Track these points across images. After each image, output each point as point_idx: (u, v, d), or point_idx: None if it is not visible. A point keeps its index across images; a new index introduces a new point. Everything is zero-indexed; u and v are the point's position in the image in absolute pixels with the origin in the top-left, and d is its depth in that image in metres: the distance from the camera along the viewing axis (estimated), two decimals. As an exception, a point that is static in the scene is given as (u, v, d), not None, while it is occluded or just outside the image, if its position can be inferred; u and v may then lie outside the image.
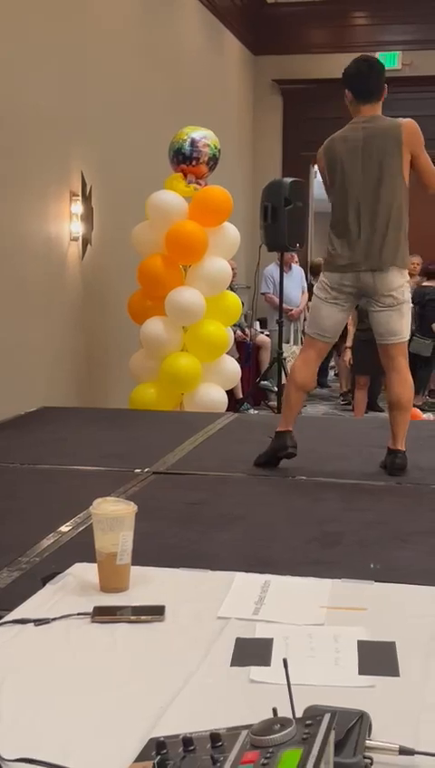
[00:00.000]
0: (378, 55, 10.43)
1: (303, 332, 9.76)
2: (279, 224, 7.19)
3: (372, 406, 8.45)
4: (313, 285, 10.21)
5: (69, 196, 6.05)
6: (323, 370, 10.86)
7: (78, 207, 6.11)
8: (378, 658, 1.65)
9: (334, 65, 11.01)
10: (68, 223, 6.05)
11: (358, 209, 3.77)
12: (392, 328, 3.79)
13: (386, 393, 4.19)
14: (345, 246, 3.79)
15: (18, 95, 5.31)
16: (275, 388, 8.11)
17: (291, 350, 8.62)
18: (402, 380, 3.85)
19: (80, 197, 6.13)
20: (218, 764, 1.13)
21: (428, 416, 7.61)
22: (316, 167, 5.09)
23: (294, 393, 3.97)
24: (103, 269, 6.58)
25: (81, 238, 6.20)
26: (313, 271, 10.48)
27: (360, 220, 3.77)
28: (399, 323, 3.80)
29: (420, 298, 9.39)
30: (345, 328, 8.54)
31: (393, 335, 3.80)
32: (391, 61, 10.65)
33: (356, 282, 3.79)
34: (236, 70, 10.67)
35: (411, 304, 3.96)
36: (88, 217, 6.27)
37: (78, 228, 6.14)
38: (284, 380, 7.67)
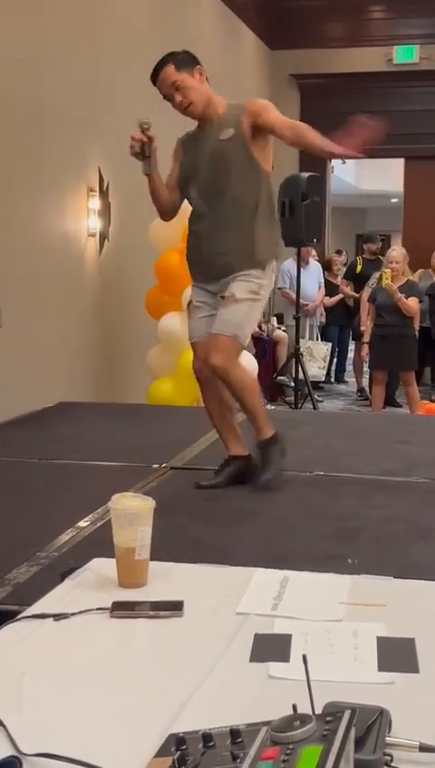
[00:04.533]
0: (396, 49, 10.49)
1: (318, 327, 9.75)
2: (296, 219, 7.18)
3: (389, 401, 8.41)
4: (329, 282, 10.19)
5: (86, 192, 6.05)
6: (340, 366, 10.83)
7: (95, 203, 6.12)
8: (397, 655, 1.65)
9: (352, 59, 11.04)
10: (85, 219, 6.05)
11: None
12: None
13: None
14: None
15: (36, 93, 5.31)
16: (292, 384, 8.10)
17: (307, 346, 8.60)
18: None
19: (97, 193, 6.14)
20: (238, 760, 1.13)
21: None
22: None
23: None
24: (121, 265, 6.58)
25: (98, 234, 6.21)
26: (325, 267, 10.43)
27: None
28: None
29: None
30: (357, 324, 8.54)
31: None
32: (409, 54, 10.57)
33: None
34: (254, 64, 10.64)
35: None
36: (105, 213, 6.28)
37: (95, 224, 6.15)
38: (301, 375, 7.66)
